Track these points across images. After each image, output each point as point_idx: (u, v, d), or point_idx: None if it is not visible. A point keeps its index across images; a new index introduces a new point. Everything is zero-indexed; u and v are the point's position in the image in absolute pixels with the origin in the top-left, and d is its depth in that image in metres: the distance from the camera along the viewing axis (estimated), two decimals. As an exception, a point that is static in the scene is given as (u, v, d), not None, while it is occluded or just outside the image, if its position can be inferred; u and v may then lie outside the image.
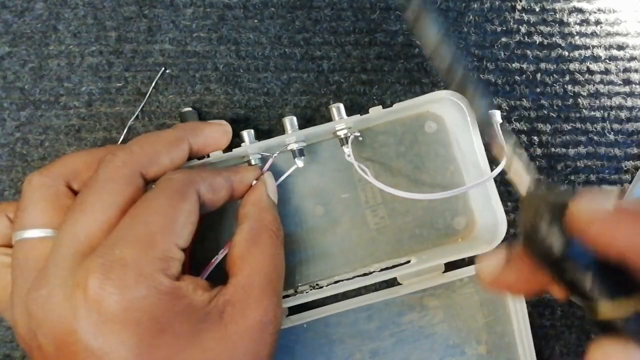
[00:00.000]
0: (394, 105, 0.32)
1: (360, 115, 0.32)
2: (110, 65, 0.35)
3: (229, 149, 0.31)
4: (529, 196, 0.18)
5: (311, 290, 0.33)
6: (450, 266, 0.33)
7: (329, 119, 0.32)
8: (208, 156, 0.31)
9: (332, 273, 0.33)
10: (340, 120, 0.32)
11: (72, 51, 0.35)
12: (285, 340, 0.33)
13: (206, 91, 0.35)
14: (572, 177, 0.36)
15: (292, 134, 0.31)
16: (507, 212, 0.32)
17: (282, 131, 0.31)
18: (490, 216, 0.32)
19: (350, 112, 0.32)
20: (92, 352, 0.22)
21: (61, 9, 0.35)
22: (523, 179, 0.19)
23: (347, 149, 0.32)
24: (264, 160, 0.32)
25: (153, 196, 0.25)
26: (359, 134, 0.33)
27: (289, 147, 0.32)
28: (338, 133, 0.32)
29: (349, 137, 0.32)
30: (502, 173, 0.36)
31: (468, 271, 0.33)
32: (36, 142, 0.35)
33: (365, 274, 0.33)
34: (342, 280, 0.33)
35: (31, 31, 0.35)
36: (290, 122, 0.32)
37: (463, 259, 0.33)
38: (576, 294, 0.16)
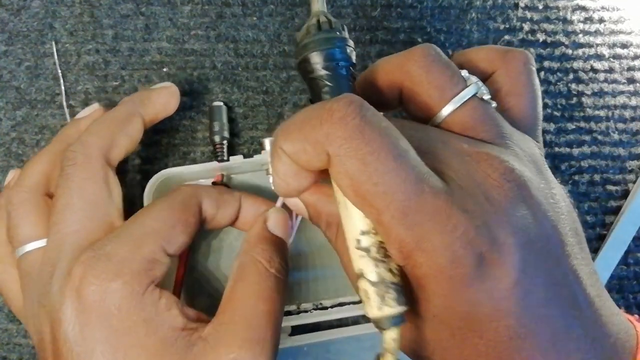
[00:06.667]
0: None
1: None
2: (106, 64, 0.35)
3: (249, 155, 0.30)
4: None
5: (315, 310, 0.32)
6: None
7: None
8: (228, 160, 0.31)
9: (336, 294, 0.33)
10: None
11: (68, 49, 0.35)
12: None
13: (204, 90, 0.35)
14: (576, 177, 0.36)
15: None
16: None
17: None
18: None
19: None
20: (71, 348, 0.22)
21: (57, 7, 0.35)
22: None
23: None
24: None
25: (157, 203, 0.26)
26: None
27: None
28: None
29: None
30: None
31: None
32: (32, 142, 0.34)
33: None
34: (347, 304, 0.32)
35: (27, 29, 0.35)
36: None
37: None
38: None
